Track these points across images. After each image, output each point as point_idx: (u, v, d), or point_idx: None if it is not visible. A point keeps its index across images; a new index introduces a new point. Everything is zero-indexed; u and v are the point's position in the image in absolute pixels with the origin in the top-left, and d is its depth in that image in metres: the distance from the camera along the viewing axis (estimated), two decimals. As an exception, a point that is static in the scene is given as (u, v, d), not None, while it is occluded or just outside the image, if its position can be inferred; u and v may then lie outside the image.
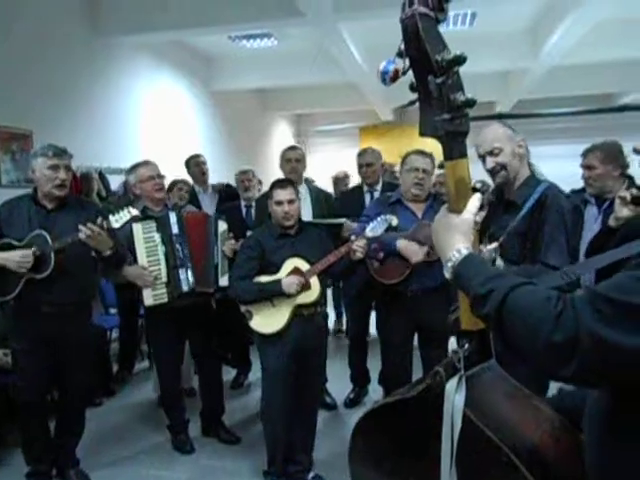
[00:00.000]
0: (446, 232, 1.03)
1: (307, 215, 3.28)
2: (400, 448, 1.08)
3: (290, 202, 2.67)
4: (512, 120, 7.89)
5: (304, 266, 2.64)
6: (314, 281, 2.63)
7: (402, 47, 1.01)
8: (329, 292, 5.38)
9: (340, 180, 6.23)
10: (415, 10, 0.95)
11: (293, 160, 3.60)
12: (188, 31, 5.53)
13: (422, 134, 1.04)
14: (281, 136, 10.51)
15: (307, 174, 6.07)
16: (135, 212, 2.58)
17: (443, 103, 0.99)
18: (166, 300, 2.83)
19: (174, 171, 5.02)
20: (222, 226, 3.07)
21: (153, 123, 6.12)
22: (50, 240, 2.49)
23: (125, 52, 5.63)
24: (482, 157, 2.15)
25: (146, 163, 3.07)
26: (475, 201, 1.05)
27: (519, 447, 0.90)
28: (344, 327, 5.40)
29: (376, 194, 3.68)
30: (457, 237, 1.00)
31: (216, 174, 4.94)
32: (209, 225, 3.04)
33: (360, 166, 3.80)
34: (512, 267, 2.04)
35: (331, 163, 10.06)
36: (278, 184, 2.77)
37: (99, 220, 2.44)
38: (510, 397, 1.00)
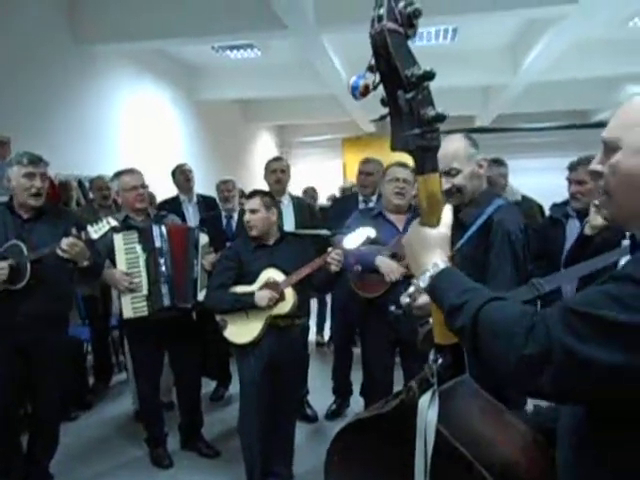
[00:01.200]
0: (423, 246, 1.03)
1: (289, 226, 3.27)
2: (377, 465, 1.07)
3: (252, 212, 2.67)
4: (491, 134, 8.06)
5: (280, 277, 2.63)
6: (289, 292, 2.61)
7: (372, 62, 1.01)
8: (314, 303, 5.38)
9: (308, 194, 6.61)
10: (384, 26, 0.96)
11: (278, 171, 3.60)
12: (171, 40, 5.53)
13: (393, 149, 1.04)
14: (264, 147, 10.53)
15: (291, 185, 6.14)
16: (114, 223, 2.55)
17: (413, 118, 0.99)
18: (146, 313, 2.79)
19: (155, 180, 4.99)
20: (203, 239, 3.04)
21: (134, 132, 6.07)
22: (26, 250, 2.44)
23: (106, 60, 5.59)
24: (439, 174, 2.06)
25: (131, 171, 3.02)
26: (448, 213, 1.05)
27: (491, 463, 0.90)
28: (325, 339, 5.40)
29: (371, 205, 3.68)
30: (434, 251, 1.00)
31: (198, 184, 4.91)
32: (190, 238, 3.00)
33: (360, 172, 3.83)
34: None
35: (314, 174, 10.12)
36: (248, 194, 2.80)
37: (74, 231, 2.41)
38: (483, 412, 1.00)
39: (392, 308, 2.52)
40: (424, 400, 0.98)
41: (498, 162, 3.77)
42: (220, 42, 6.09)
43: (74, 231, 2.41)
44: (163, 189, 4.73)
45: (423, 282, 0.99)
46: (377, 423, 1.07)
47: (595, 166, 0.91)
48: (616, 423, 0.80)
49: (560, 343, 0.74)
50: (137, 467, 3.08)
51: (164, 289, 2.84)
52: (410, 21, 0.97)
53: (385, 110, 1.05)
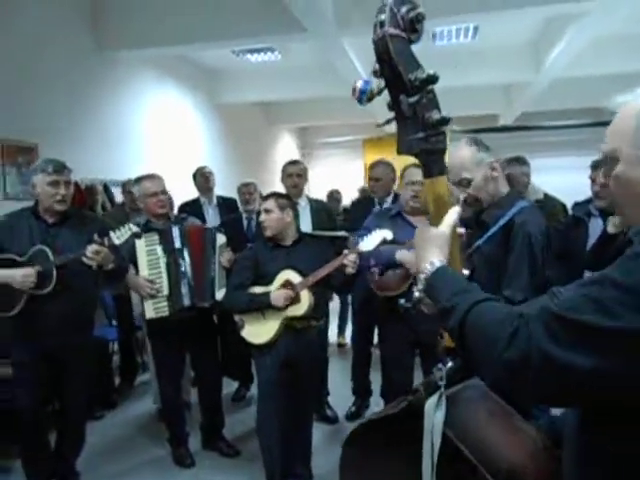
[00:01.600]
0: (423, 245, 1.04)
1: (306, 228, 3.29)
2: (387, 464, 1.08)
3: (266, 212, 2.69)
4: (514, 133, 7.94)
5: (296, 278, 2.64)
6: (304, 294, 2.62)
7: (376, 67, 1.02)
8: (336, 305, 5.39)
9: (332, 197, 6.74)
10: (385, 32, 0.97)
11: (294, 175, 3.61)
12: (192, 45, 5.59)
13: (399, 152, 1.05)
14: (285, 149, 10.58)
15: (312, 186, 6.17)
16: (135, 229, 2.62)
17: (418, 122, 1.00)
18: (167, 313, 2.85)
19: (178, 184, 5.07)
20: (221, 239, 3.08)
21: (157, 136, 6.17)
22: (52, 256, 2.51)
23: (129, 66, 5.70)
24: (453, 184, 1.99)
25: (151, 177, 3.07)
26: (452, 214, 1.05)
27: (497, 467, 0.89)
28: (346, 340, 5.41)
29: (386, 205, 3.68)
30: (432, 250, 1.01)
31: (220, 186, 4.97)
32: (208, 238, 3.05)
33: (369, 178, 3.84)
34: None
35: (336, 175, 10.13)
36: (265, 196, 2.83)
37: (97, 238, 2.46)
38: (492, 416, 0.99)
39: (402, 301, 2.51)
40: (431, 402, 0.98)
41: (520, 161, 3.73)
42: (240, 46, 6.14)
43: (97, 237, 2.47)
44: (185, 192, 4.80)
45: (420, 284, 1.00)
46: (387, 424, 1.08)
47: (601, 179, 0.92)
48: (610, 422, 0.79)
49: (539, 348, 0.74)
50: (160, 466, 3.13)
51: (184, 289, 2.89)
52: (413, 26, 0.98)
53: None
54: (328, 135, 11.13)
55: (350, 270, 2.60)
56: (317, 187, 8.26)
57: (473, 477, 0.88)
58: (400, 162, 3.18)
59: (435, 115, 0.99)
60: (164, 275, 2.88)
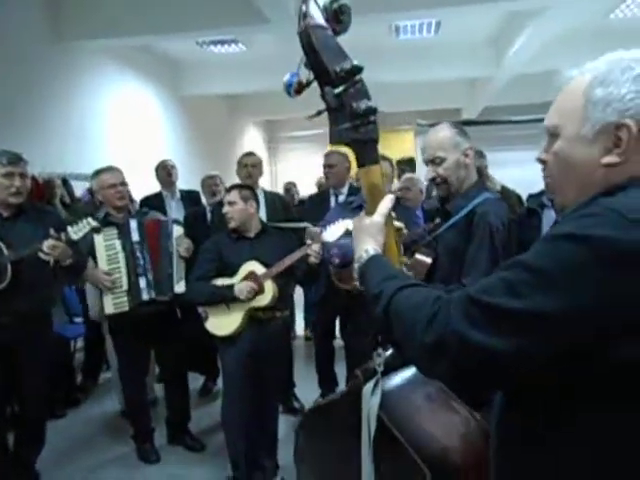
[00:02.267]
0: (358, 235, 1.06)
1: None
2: (335, 447, 1.10)
3: (230, 204, 2.69)
4: (477, 127, 8.04)
5: (261, 269, 2.65)
6: (268, 284, 2.63)
7: (305, 58, 1.03)
8: (301, 298, 5.40)
9: (288, 190, 6.77)
10: (308, 23, 0.97)
11: (249, 165, 3.65)
12: (154, 37, 5.50)
13: (331, 143, 1.06)
14: (252, 142, 10.49)
15: (278, 179, 6.14)
16: (94, 223, 2.57)
17: (345, 112, 1.01)
18: (127, 308, 2.81)
19: (140, 177, 4.97)
20: (178, 231, 3.04)
21: (119, 128, 6.04)
22: (5, 250, 2.44)
23: (89, 56, 5.54)
24: (426, 163, 2.03)
25: (109, 169, 3.02)
26: (386, 203, 1.06)
27: (429, 451, 0.92)
28: (298, 333, 5.47)
29: (342, 197, 3.71)
30: (366, 239, 1.03)
31: (183, 180, 4.90)
32: (164, 230, 3.01)
33: (324, 167, 3.83)
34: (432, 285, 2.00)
35: (302, 169, 10.11)
36: (228, 188, 2.82)
37: (53, 232, 2.41)
38: (429, 400, 1.02)
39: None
40: (368, 388, 1.00)
41: (479, 154, 3.81)
42: (204, 37, 6.06)
43: (53, 233, 2.41)
44: (148, 186, 4.71)
45: (355, 273, 1.01)
46: (332, 409, 1.09)
47: (540, 155, 0.91)
48: (527, 404, 0.81)
49: (456, 331, 0.74)
50: (124, 463, 3.09)
51: (142, 283, 2.86)
52: (337, 17, 0.98)
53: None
54: (294, 128, 11.09)
55: (313, 260, 2.61)
56: (282, 180, 8.23)
57: (403, 457, 0.90)
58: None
59: (362, 105, 1.00)
60: (123, 269, 2.84)
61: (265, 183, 7.67)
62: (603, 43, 6.20)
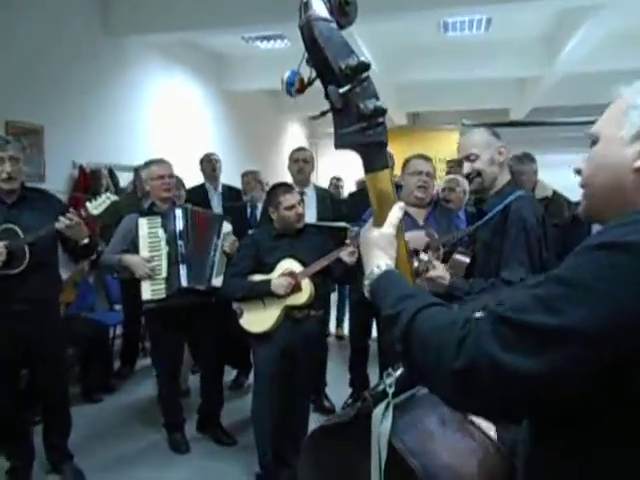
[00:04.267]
0: (366, 248, 0.98)
1: (311, 217, 3.27)
2: (341, 471, 1.05)
3: (299, 204, 2.72)
4: (525, 128, 7.81)
5: (298, 268, 2.63)
6: (306, 283, 2.61)
7: (307, 55, 0.93)
8: (334, 296, 5.37)
9: (332, 184, 6.71)
10: (310, 16, 0.88)
11: (300, 161, 3.61)
12: (200, 32, 5.55)
13: (336, 147, 0.97)
14: (293, 138, 10.51)
15: (319, 175, 6.11)
16: (114, 197, 2.59)
17: (351, 113, 0.91)
18: (164, 295, 2.84)
19: (184, 170, 5.04)
20: (227, 227, 3.07)
21: (164, 121, 6.14)
22: (21, 233, 2.44)
23: (136, 51, 5.65)
24: (461, 161, 2.16)
25: (160, 161, 3.08)
26: (396, 213, 0.97)
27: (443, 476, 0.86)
28: (345, 332, 5.40)
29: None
30: (376, 253, 0.95)
31: (226, 174, 4.94)
32: (214, 224, 3.04)
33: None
34: (472, 280, 2.02)
35: (343, 165, 10.07)
36: (282, 189, 2.76)
37: (71, 210, 2.43)
38: (443, 423, 0.93)
39: None
40: (378, 411, 0.93)
41: (529, 157, 3.68)
42: (249, 32, 6.08)
43: (72, 210, 2.43)
44: (192, 178, 4.78)
45: (365, 290, 0.94)
46: (338, 431, 1.04)
47: (578, 165, 0.88)
48: (561, 435, 0.76)
49: (486, 353, 0.68)
50: (154, 452, 3.14)
51: (182, 270, 2.88)
52: (342, 9, 0.91)
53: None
54: (337, 125, 11.04)
55: (349, 260, 2.58)
56: (324, 177, 8.20)
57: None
58: (413, 153, 3.15)
59: (370, 105, 0.90)
60: (164, 257, 2.87)
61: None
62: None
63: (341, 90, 0.90)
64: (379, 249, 0.95)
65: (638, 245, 0.64)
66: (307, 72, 0.98)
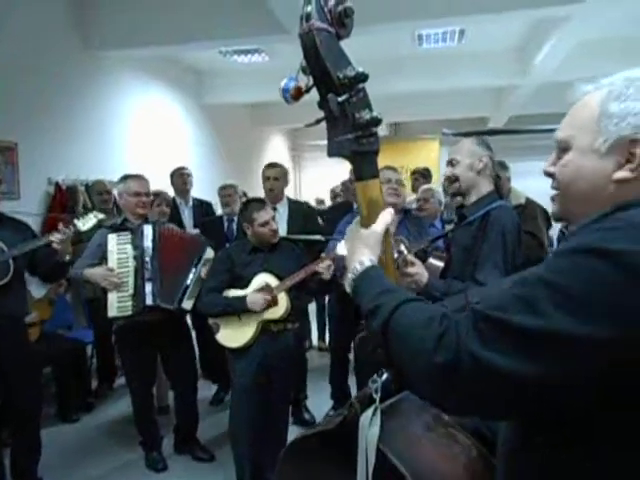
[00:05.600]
0: (353, 245, 0.99)
1: (282, 231, 3.26)
2: None
3: (273, 219, 2.73)
4: (504, 136, 7.89)
5: (273, 282, 2.63)
6: (282, 297, 2.61)
7: (304, 63, 0.96)
8: (314, 309, 5.36)
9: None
10: (312, 25, 0.91)
11: (271, 178, 3.61)
12: (178, 47, 5.56)
13: (329, 154, 0.99)
14: (275, 150, 10.54)
15: (302, 188, 6.13)
16: (101, 216, 2.62)
17: (347, 122, 0.94)
18: (130, 312, 2.81)
19: (163, 184, 5.03)
20: (209, 253, 3.02)
21: (142, 136, 6.12)
22: (5, 247, 2.48)
23: (114, 66, 5.64)
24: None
25: (137, 177, 3.05)
26: (386, 215, 1.00)
27: None
28: (314, 343, 5.43)
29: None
30: (361, 249, 0.96)
31: (208, 188, 4.94)
32: (193, 247, 3.01)
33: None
34: (449, 280, 2.08)
35: (327, 177, 10.11)
36: (256, 205, 2.76)
37: (61, 225, 2.46)
38: (428, 428, 0.95)
39: None
40: (365, 417, 0.94)
41: (502, 165, 3.72)
42: (226, 47, 6.11)
43: (61, 225, 2.46)
44: (170, 193, 4.77)
45: (347, 285, 0.95)
46: (321, 440, 1.04)
47: (548, 168, 0.89)
48: (544, 437, 0.76)
49: (467, 349, 0.69)
50: (131, 471, 3.09)
51: (148, 288, 2.85)
52: (341, 20, 0.93)
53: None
54: (318, 136, 11.08)
55: (325, 276, 2.59)
56: (308, 189, 8.23)
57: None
58: (394, 164, 3.17)
59: (366, 115, 0.94)
60: (131, 274, 2.84)
61: (289, 191, 7.69)
62: (632, 51, 6.05)
63: (339, 99, 0.94)
64: (365, 246, 0.97)
65: (621, 253, 0.65)
66: (303, 80, 1.01)
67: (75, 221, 2.54)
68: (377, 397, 0.96)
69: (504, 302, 0.71)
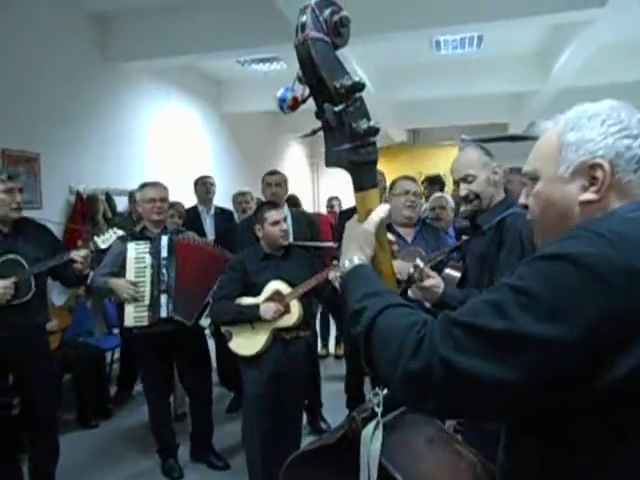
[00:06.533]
0: (346, 241, 1.01)
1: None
2: None
3: (284, 220, 2.73)
4: (522, 142, 7.76)
5: (286, 289, 2.62)
6: (294, 305, 2.60)
7: (300, 73, 0.96)
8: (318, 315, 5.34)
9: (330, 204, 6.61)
10: (307, 35, 0.90)
11: (273, 184, 3.62)
12: (196, 56, 5.64)
13: (327, 165, 0.99)
14: (294, 158, 10.59)
15: (320, 195, 6.12)
16: (120, 233, 2.64)
17: (344, 132, 0.94)
18: (146, 323, 2.82)
19: (183, 194, 5.09)
20: None
21: (162, 146, 6.21)
22: (26, 264, 2.52)
23: (133, 76, 5.74)
24: (456, 183, 2.12)
25: (154, 184, 3.07)
26: (378, 212, 1.00)
27: None
28: (331, 351, 5.43)
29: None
30: (352, 247, 0.98)
31: (226, 196, 4.97)
32: (218, 264, 2.96)
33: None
34: (467, 289, 2.03)
35: (345, 183, 10.10)
36: (268, 206, 2.80)
37: (80, 243, 2.49)
38: (431, 443, 0.94)
39: None
40: (367, 431, 0.93)
41: (516, 169, 3.68)
42: (243, 56, 6.17)
43: (80, 243, 2.49)
44: (191, 201, 4.83)
45: (337, 283, 0.97)
46: (323, 455, 1.03)
47: (522, 200, 0.95)
48: (527, 435, 0.78)
49: (440, 354, 0.71)
50: (147, 478, 3.11)
51: (163, 299, 2.86)
52: (337, 30, 0.93)
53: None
54: (337, 144, 11.11)
55: (337, 282, 2.58)
56: (326, 196, 8.22)
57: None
58: (414, 170, 3.15)
59: (363, 124, 0.93)
60: (148, 284, 2.86)
61: (308, 197, 7.70)
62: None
63: (336, 109, 0.93)
64: (356, 244, 0.98)
65: (575, 255, 0.70)
66: (300, 90, 1.01)
67: (95, 238, 2.58)
68: (379, 411, 0.95)
69: (476, 308, 0.74)
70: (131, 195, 4.69)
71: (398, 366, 0.74)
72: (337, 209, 6.70)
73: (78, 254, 2.50)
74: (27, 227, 2.70)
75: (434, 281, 1.94)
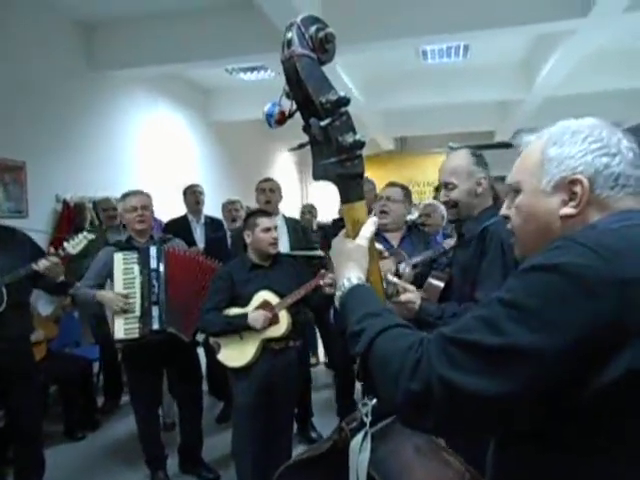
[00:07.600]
0: (339, 260, 1.00)
1: (284, 247, 3.26)
2: None
3: (276, 229, 2.71)
4: (507, 149, 7.88)
5: (274, 299, 2.61)
6: (283, 315, 2.59)
7: (287, 88, 0.97)
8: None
9: (305, 211, 6.23)
10: (293, 52, 0.92)
11: (267, 190, 3.60)
12: (184, 64, 5.63)
13: (315, 178, 1.00)
14: (282, 166, 10.59)
15: (312, 202, 6.10)
16: (91, 236, 2.61)
17: (331, 146, 0.95)
18: (137, 335, 2.77)
19: (170, 202, 5.06)
20: None
21: (149, 154, 6.18)
22: None
23: (120, 85, 5.72)
24: (436, 189, 2.15)
25: (135, 193, 3.00)
26: (369, 226, 1.00)
27: None
28: (321, 359, 5.41)
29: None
30: (348, 264, 0.98)
31: (215, 205, 4.95)
32: (211, 274, 2.89)
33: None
34: (445, 304, 1.99)
35: (333, 192, 10.12)
36: (261, 213, 2.79)
37: (51, 249, 2.47)
38: (419, 452, 0.95)
39: None
40: (356, 442, 0.93)
41: (500, 178, 3.72)
42: (230, 64, 6.18)
43: (52, 249, 2.47)
44: (177, 211, 4.80)
45: (336, 302, 0.96)
46: (313, 465, 1.03)
47: (504, 211, 0.96)
48: (521, 447, 0.79)
49: (437, 373, 0.72)
50: (136, 490, 3.07)
51: (155, 311, 2.81)
52: (323, 46, 0.95)
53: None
54: (325, 152, 11.14)
55: (328, 290, 2.57)
56: (314, 204, 8.24)
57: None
58: (402, 178, 3.15)
59: (349, 138, 0.95)
60: (138, 295, 2.81)
61: (297, 206, 7.70)
62: (636, 65, 6.05)
63: (322, 123, 0.95)
64: (352, 261, 0.98)
65: (562, 265, 0.71)
66: (287, 104, 1.02)
67: (65, 244, 2.54)
68: (367, 421, 0.95)
69: (468, 324, 0.75)
70: (95, 203, 4.74)
71: (399, 387, 0.75)
72: (309, 217, 6.37)
73: (41, 264, 2.46)
74: (5, 236, 2.63)
75: (410, 296, 1.87)
